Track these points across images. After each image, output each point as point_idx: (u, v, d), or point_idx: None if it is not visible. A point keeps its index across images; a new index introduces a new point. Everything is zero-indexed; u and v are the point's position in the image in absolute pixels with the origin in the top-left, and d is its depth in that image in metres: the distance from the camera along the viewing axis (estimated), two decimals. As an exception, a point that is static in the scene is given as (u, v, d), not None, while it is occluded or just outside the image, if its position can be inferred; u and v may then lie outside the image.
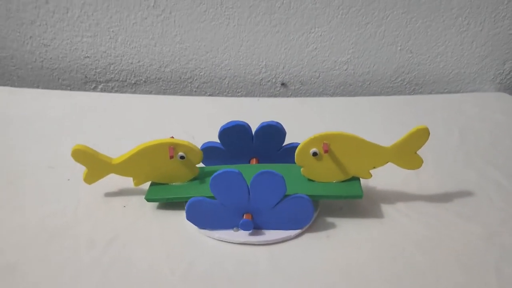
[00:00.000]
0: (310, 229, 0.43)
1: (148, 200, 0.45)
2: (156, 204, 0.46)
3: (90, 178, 0.45)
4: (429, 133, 0.41)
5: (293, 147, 0.47)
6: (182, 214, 0.43)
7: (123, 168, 0.44)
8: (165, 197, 0.45)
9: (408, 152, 0.42)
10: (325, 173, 0.44)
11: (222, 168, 0.39)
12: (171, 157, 0.43)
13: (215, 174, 0.39)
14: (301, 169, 0.44)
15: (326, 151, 0.41)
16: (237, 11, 0.66)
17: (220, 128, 0.46)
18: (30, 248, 0.40)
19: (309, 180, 0.45)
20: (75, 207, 0.45)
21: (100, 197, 0.47)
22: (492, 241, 0.42)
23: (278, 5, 0.65)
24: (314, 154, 0.42)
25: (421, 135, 0.41)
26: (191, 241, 0.42)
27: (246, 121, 0.46)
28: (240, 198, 0.40)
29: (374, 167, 0.43)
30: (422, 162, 0.43)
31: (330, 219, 0.44)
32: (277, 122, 0.46)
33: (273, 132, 0.46)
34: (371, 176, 0.44)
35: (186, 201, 0.42)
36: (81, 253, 0.40)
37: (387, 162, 0.43)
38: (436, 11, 0.66)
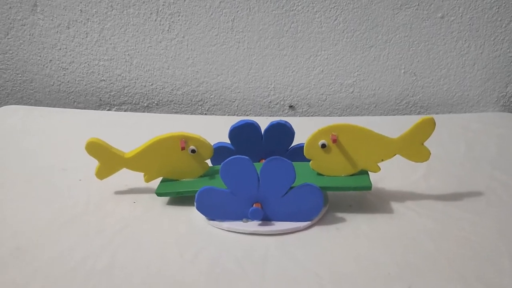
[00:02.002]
0: (320, 223, 0.43)
1: (159, 194, 0.45)
2: (165, 199, 0.46)
3: (102, 172, 0.46)
4: (435, 123, 0.42)
5: (301, 147, 0.48)
6: (192, 209, 0.44)
7: (135, 162, 0.45)
8: (175, 191, 0.45)
9: (415, 143, 0.43)
10: (334, 166, 0.44)
11: None
12: (183, 148, 0.44)
13: (226, 160, 0.40)
14: (310, 162, 0.44)
15: (334, 141, 0.42)
16: (246, 35, 0.70)
17: (230, 127, 0.47)
18: (41, 234, 0.41)
19: (318, 174, 0.45)
20: (86, 202, 0.46)
21: (111, 194, 0.48)
22: (504, 232, 0.41)
23: (286, 29, 0.69)
24: (323, 146, 0.43)
25: (427, 125, 0.42)
26: (200, 230, 0.42)
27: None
28: (250, 185, 0.40)
29: (382, 160, 0.44)
30: (430, 154, 0.44)
31: (340, 214, 0.44)
32: (286, 121, 0.47)
33: (282, 131, 0.47)
34: (380, 169, 0.44)
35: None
36: (91, 238, 0.40)
37: (394, 155, 0.44)
38: (437, 35, 0.69)
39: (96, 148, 0.44)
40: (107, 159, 0.45)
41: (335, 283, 0.35)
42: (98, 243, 0.39)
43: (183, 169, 0.46)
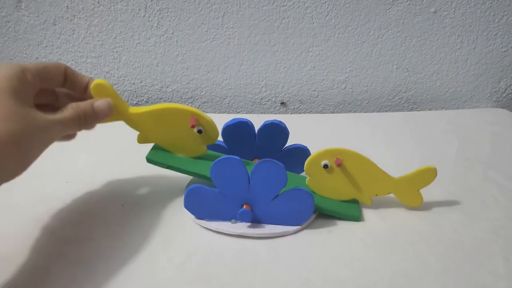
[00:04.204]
0: (311, 225, 0.42)
1: (149, 160, 0.44)
2: (153, 202, 0.45)
3: None
4: (436, 174, 0.42)
5: (296, 148, 0.47)
6: (180, 209, 0.43)
7: (137, 120, 0.42)
8: (166, 164, 0.43)
9: (412, 188, 0.43)
10: (330, 188, 0.44)
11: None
12: (193, 126, 0.41)
13: (216, 160, 0.39)
14: (307, 179, 0.43)
15: (339, 165, 0.41)
16: (237, 31, 0.68)
17: (223, 125, 0.46)
18: (26, 239, 0.39)
19: (311, 191, 0.44)
20: (73, 206, 0.45)
21: (98, 196, 0.46)
22: (499, 234, 0.41)
23: (276, 25, 0.68)
24: (325, 166, 0.42)
25: (429, 174, 0.42)
26: (188, 233, 0.41)
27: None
28: (240, 186, 0.39)
29: (376, 195, 0.44)
30: (422, 200, 0.44)
31: (331, 218, 0.43)
32: (280, 121, 0.46)
33: (276, 131, 0.46)
34: (371, 203, 0.44)
35: (183, 190, 0.42)
36: (79, 242, 0.39)
37: (389, 193, 0.43)
38: (429, 30, 0.68)
39: (102, 92, 0.40)
40: None
41: (326, 288, 0.35)
42: (85, 249, 0.38)
43: (183, 145, 0.44)
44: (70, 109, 0.36)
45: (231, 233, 0.40)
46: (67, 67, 0.39)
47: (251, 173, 0.39)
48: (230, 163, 0.39)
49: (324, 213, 0.43)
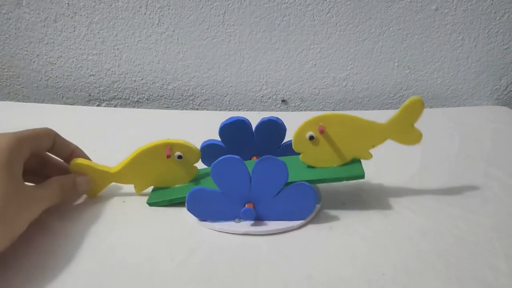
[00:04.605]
0: (313, 221, 0.42)
1: (150, 204, 0.44)
2: (156, 200, 0.45)
3: (92, 190, 0.45)
4: (423, 103, 0.40)
5: (293, 143, 0.47)
6: (182, 209, 0.43)
7: (122, 175, 0.44)
8: (166, 199, 0.44)
9: (405, 125, 0.41)
10: (324, 157, 0.43)
11: None
12: (168, 156, 0.42)
13: (216, 161, 0.39)
14: (300, 156, 0.43)
15: (322, 132, 0.41)
16: (238, 29, 0.68)
17: (220, 124, 0.46)
18: (21, 238, 0.39)
19: (309, 167, 0.44)
20: (73, 204, 0.45)
21: (99, 194, 0.46)
22: (500, 231, 0.41)
23: (278, 22, 0.68)
24: (311, 138, 0.42)
25: (416, 106, 0.40)
26: (191, 231, 0.41)
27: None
28: (242, 185, 0.39)
29: (373, 146, 0.42)
30: (421, 135, 0.42)
31: (333, 212, 0.43)
32: (277, 118, 0.46)
33: (273, 127, 0.46)
34: (372, 156, 0.43)
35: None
36: (78, 239, 0.39)
37: (386, 139, 0.42)
38: (430, 27, 0.68)
39: (81, 169, 0.43)
40: (94, 177, 0.44)
41: (329, 285, 0.35)
42: (85, 246, 0.38)
43: (172, 176, 0.45)
44: (56, 184, 0.40)
45: (235, 233, 0.40)
46: (57, 134, 0.42)
47: (252, 171, 0.39)
48: (230, 162, 0.39)
49: (329, 182, 0.43)
